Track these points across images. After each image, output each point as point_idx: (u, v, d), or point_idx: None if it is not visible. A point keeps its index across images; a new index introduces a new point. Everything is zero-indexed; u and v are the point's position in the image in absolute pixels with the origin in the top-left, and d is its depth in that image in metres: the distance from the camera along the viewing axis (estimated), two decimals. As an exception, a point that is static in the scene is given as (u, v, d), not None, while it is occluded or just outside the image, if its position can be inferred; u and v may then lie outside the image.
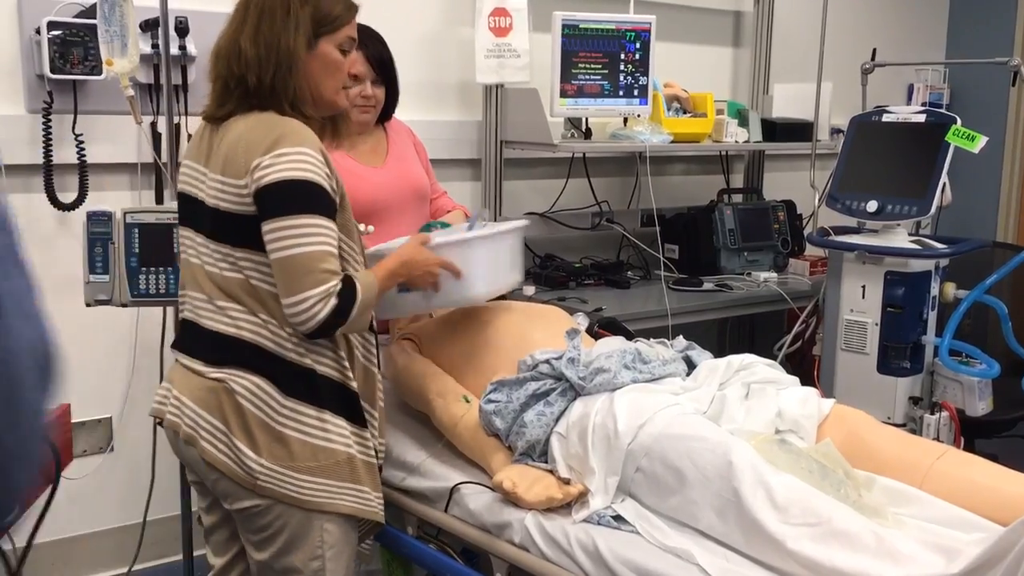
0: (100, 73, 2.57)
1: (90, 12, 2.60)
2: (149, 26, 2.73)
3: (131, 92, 2.51)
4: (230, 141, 1.71)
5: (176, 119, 2.82)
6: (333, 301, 1.64)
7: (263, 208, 1.65)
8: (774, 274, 3.59)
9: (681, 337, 2.21)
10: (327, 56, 1.79)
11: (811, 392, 1.92)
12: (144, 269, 2.24)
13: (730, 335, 4.07)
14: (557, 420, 1.86)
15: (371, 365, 1.85)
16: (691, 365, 2.05)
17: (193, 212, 1.80)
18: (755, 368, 1.97)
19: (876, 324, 2.86)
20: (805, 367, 3.16)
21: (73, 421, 2.84)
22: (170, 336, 2.72)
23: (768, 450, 1.65)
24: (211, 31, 2.87)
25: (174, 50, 2.75)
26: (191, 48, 2.82)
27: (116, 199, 2.77)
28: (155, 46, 2.75)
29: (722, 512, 1.58)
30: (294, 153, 1.65)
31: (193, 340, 1.80)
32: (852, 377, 2.92)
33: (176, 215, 2.25)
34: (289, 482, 1.70)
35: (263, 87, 1.72)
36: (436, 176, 2.78)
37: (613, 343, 2.07)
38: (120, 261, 2.22)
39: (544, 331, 2.16)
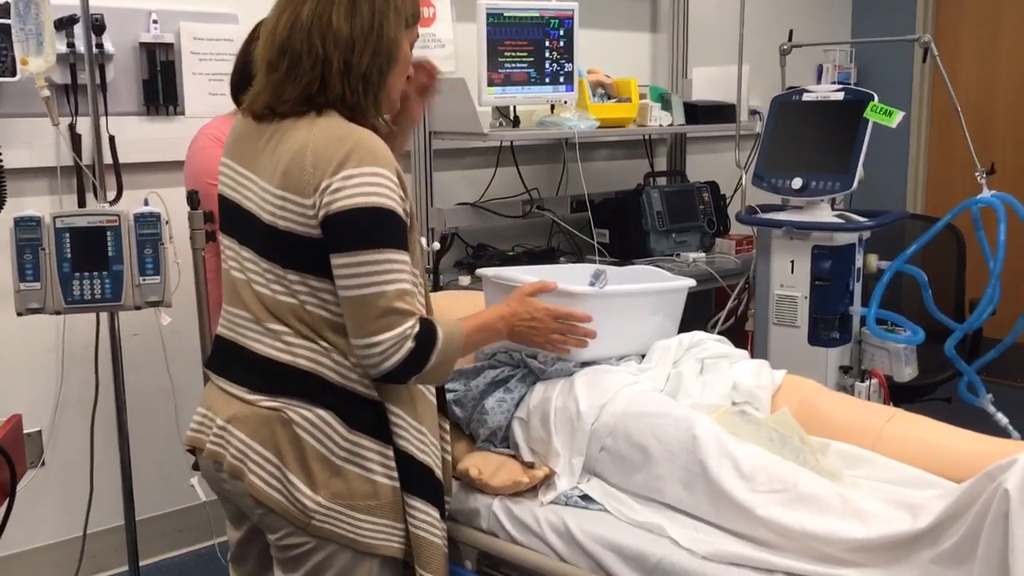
0: (14, 74, 2.47)
1: (1, 12, 2.50)
2: (63, 24, 2.64)
3: (47, 93, 2.43)
4: (292, 150, 1.50)
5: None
6: (409, 345, 1.48)
7: (331, 239, 1.48)
8: (702, 254, 3.67)
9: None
10: (406, 54, 1.59)
11: (763, 364, 1.97)
12: (77, 274, 2.16)
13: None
14: (517, 405, 1.87)
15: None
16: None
17: (237, 221, 1.60)
18: (706, 344, 2.02)
19: (805, 297, 2.95)
20: (739, 343, 3.23)
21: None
22: (104, 344, 2.65)
23: (729, 422, 1.69)
24: (128, 28, 2.84)
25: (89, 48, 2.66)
26: (108, 46, 2.73)
27: (36, 204, 2.67)
28: (71, 44, 2.67)
29: (689, 485, 1.61)
30: (367, 174, 1.46)
31: (235, 363, 1.61)
32: (784, 350, 3.00)
33: (108, 217, 2.22)
34: (346, 522, 1.54)
35: (351, 74, 1.50)
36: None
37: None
38: (52, 267, 2.14)
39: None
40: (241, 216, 1.58)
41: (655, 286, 2.06)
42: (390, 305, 1.47)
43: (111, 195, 2.80)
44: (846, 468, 1.68)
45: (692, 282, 2.09)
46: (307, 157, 1.48)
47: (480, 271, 2.01)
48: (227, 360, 1.63)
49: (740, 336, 3.25)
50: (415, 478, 1.60)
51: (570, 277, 1.90)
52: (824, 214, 3.00)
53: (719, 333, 3.28)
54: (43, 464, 2.84)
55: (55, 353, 2.82)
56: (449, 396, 1.88)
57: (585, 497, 1.71)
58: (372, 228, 1.47)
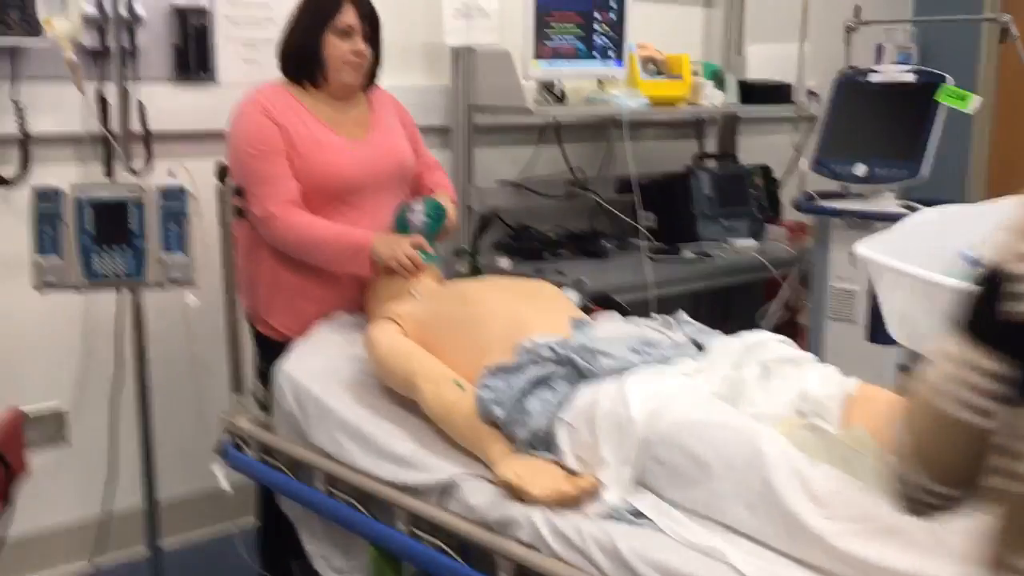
0: (37, 34, 2.35)
1: (27, -30, 2.38)
2: (93, -15, 2.52)
3: (72, 57, 2.30)
4: None
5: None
6: None
7: None
8: (752, 241, 3.50)
9: (683, 313, 2.08)
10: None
11: (832, 370, 1.81)
12: (98, 248, 2.04)
13: (707, 305, 3.97)
14: (561, 406, 1.72)
15: None
16: (699, 347, 1.92)
17: None
18: (768, 345, 1.85)
19: (865, 291, 2.78)
20: (792, 337, 3.07)
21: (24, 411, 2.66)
22: (124, 319, 2.53)
23: (799, 436, 1.53)
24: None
25: (120, 11, 2.55)
26: (139, 9, 2.60)
27: (62, 173, 2.57)
28: (100, 6, 2.55)
29: (753, 506, 1.45)
30: None
31: None
32: (841, 347, 2.85)
33: (131, 190, 2.09)
34: None
35: None
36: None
37: (612, 326, 1.93)
38: (72, 241, 2.02)
39: (536, 308, 2.02)
40: None
41: None
42: None
43: (139, 165, 2.70)
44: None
45: None
46: None
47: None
48: None
49: (794, 331, 3.10)
50: None
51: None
52: (888, 203, 2.83)
53: (774, 327, 3.12)
54: (66, 441, 2.75)
55: (78, 326, 2.72)
56: (488, 395, 1.74)
57: (636, 513, 1.56)
58: None
